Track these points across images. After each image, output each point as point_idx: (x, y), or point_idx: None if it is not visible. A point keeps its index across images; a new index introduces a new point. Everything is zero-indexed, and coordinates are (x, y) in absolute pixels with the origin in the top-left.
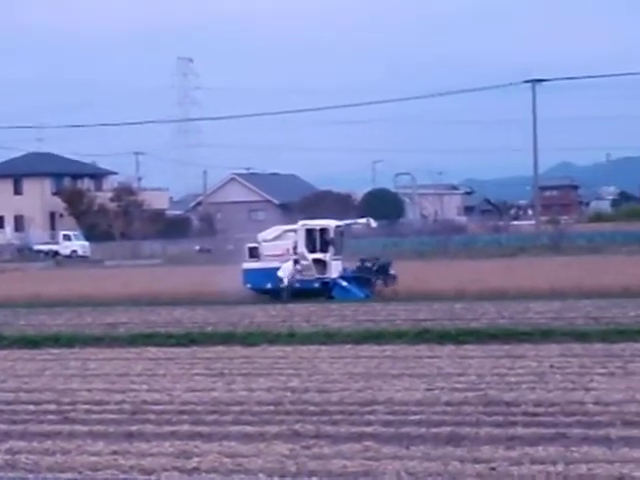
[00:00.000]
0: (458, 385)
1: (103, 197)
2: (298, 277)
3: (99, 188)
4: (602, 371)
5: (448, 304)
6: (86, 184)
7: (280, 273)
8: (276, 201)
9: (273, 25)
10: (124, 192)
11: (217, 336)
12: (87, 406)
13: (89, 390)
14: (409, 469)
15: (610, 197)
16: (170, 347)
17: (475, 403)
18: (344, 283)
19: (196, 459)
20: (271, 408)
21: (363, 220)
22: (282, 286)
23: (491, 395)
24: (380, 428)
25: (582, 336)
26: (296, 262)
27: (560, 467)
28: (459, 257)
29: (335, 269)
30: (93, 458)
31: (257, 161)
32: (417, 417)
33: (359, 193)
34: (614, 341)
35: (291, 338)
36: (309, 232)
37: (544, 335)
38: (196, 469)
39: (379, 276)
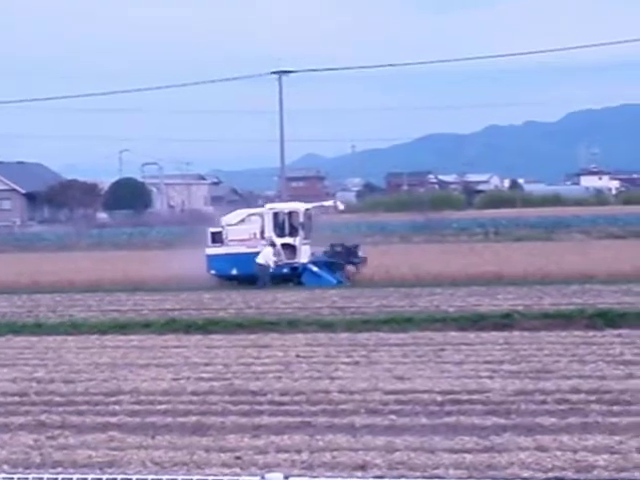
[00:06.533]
0: (204, 375)
1: None
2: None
3: None
4: (347, 360)
5: (196, 294)
6: None
7: (260, 260)
8: (22, 190)
9: (26, 7)
10: None
11: None
12: None
13: None
14: (154, 459)
15: (355, 188)
16: None
17: (221, 392)
18: (315, 268)
19: None
20: (16, 399)
21: (330, 202)
22: (270, 271)
23: (237, 384)
24: (125, 418)
25: (328, 326)
26: (272, 245)
27: (305, 455)
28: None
29: (305, 254)
30: None
31: (2, 150)
32: (163, 407)
33: (106, 183)
34: (359, 330)
35: (37, 328)
36: (276, 215)
37: (290, 325)
38: None
39: (349, 260)
